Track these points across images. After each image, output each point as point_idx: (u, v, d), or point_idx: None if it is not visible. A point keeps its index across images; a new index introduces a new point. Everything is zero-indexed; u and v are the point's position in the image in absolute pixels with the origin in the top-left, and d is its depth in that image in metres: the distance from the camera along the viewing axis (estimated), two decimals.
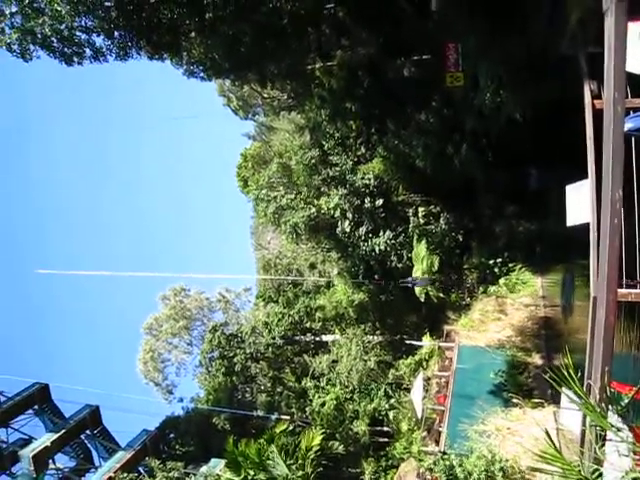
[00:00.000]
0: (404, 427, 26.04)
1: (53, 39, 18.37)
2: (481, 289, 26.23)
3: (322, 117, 27.97)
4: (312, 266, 37.64)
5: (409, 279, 25.63)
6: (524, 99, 20.47)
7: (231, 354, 32.17)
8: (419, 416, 23.89)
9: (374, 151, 28.05)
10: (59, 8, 16.98)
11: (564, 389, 7.28)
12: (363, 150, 28.51)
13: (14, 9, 17.50)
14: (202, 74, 24.64)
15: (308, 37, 23.10)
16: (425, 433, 23.93)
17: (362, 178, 27.46)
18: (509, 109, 21.27)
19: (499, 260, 25.80)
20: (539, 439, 16.11)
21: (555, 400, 17.26)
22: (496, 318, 24.66)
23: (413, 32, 21.77)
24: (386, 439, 27.52)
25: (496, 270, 25.82)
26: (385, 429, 27.72)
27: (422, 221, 26.70)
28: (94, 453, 32.77)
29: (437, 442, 22.29)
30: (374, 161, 28.09)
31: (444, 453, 19.44)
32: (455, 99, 23.31)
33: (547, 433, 6.53)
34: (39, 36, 18.07)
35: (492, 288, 25.79)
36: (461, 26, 20.51)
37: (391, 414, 26.72)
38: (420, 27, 21.42)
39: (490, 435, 18.51)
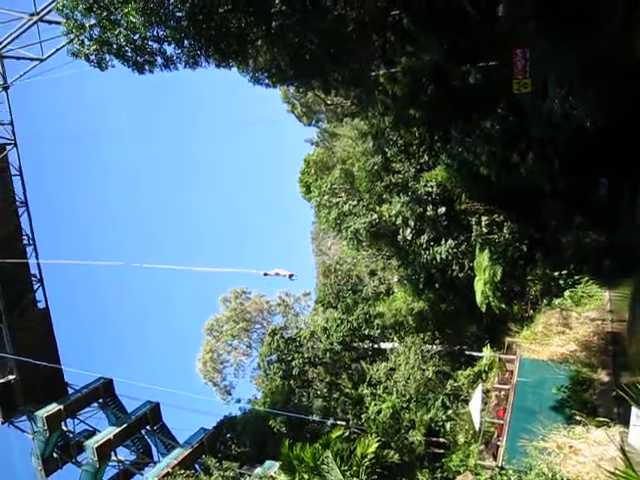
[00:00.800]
0: (461, 439, 25.57)
1: (127, 49, 19.13)
2: (545, 301, 25.46)
3: (385, 124, 27.94)
4: (372, 273, 37.57)
5: None
6: (595, 106, 19.84)
7: (289, 358, 32.42)
8: (477, 429, 23.46)
9: (437, 158, 27.77)
10: (134, 20, 17.65)
11: (634, 408, 7.01)
12: (426, 157, 28.27)
13: (92, 21, 18.32)
14: (267, 81, 25.08)
15: (373, 44, 23.13)
16: (482, 446, 23.45)
17: (425, 185, 27.23)
18: (579, 116, 20.67)
19: (565, 272, 24.99)
20: (604, 459, 15.54)
21: (622, 419, 16.62)
22: (560, 332, 23.91)
23: (479, 38, 21.46)
24: (442, 450, 27.08)
25: (561, 282, 25.00)
26: (441, 440, 27.27)
27: (485, 230, 26.16)
28: (153, 448, 33.66)
29: (495, 456, 21.82)
30: (437, 169, 27.80)
31: (502, 468, 19.00)
32: (522, 106, 22.82)
33: (622, 451, 6.30)
34: (114, 46, 18.87)
35: (556, 300, 24.98)
36: (529, 31, 20.08)
37: (448, 425, 26.29)
38: (486, 33, 21.08)
39: (551, 452, 17.92)
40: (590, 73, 18.97)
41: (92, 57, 19.16)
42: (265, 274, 15.60)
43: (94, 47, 18.76)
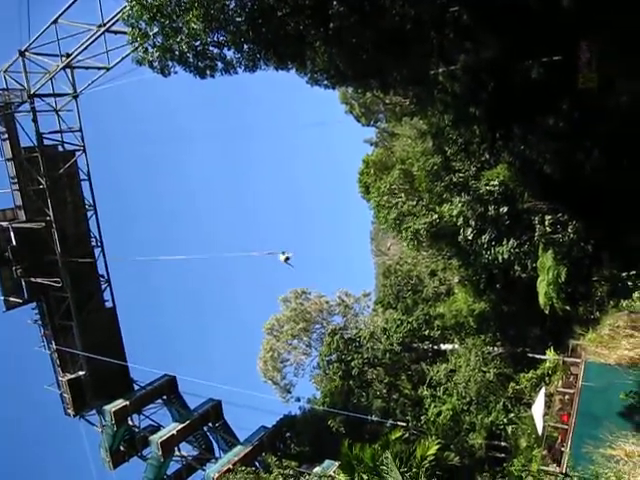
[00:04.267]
0: (523, 444, 25.04)
1: (189, 55, 19.69)
2: (612, 303, 24.57)
3: (445, 122, 27.59)
4: (432, 273, 37.30)
5: None
6: None
7: (349, 358, 32.54)
8: (540, 433, 22.92)
9: (499, 157, 27.23)
10: (195, 26, 18.16)
11: None
12: (487, 156, 27.74)
13: (156, 30, 18.95)
14: (326, 82, 25.19)
15: (431, 42, 22.82)
16: (545, 452, 22.89)
17: (486, 185, 26.78)
18: None
19: (633, 272, 24.08)
20: None
21: None
22: (628, 335, 22.99)
23: (542, 32, 20.84)
24: (503, 455, 26.62)
25: (629, 283, 24.11)
26: (502, 444, 26.80)
27: (549, 230, 25.48)
28: (215, 445, 34.35)
29: (558, 462, 21.26)
30: (499, 167, 27.27)
31: (566, 475, 18.55)
32: (587, 102, 22.10)
33: None
34: (176, 53, 19.45)
35: (624, 302, 24.08)
36: (596, 23, 19.43)
37: (509, 429, 25.84)
38: (550, 26, 20.48)
39: (619, 461, 17.32)
40: None
41: (155, 64, 19.83)
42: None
43: (157, 54, 19.41)
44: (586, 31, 20.35)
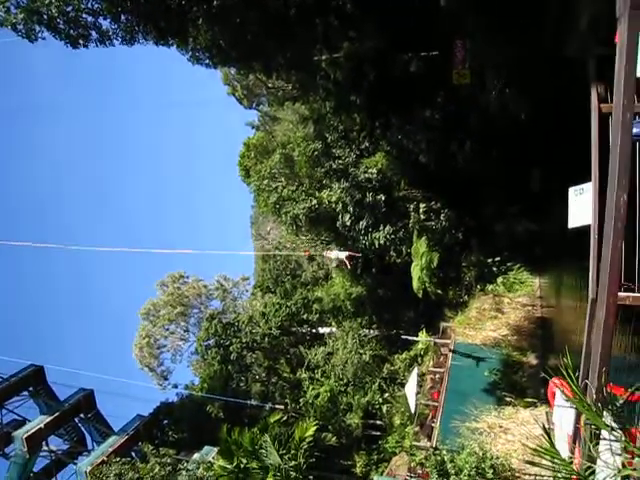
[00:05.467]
0: (397, 421, 26.20)
1: (59, 20, 18.32)
2: (479, 287, 26.30)
3: (326, 109, 27.94)
4: (311, 258, 37.70)
5: None
6: (529, 99, 20.50)
7: (227, 343, 32.24)
8: (412, 411, 24.06)
9: (377, 145, 28.04)
10: None
11: (559, 388, 7.40)
12: (367, 144, 28.48)
13: None
14: (208, 61, 24.52)
15: (315, 28, 22.93)
16: (418, 428, 24.11)
17: (364, 172, 27.45)
18: (514, 108, 21.31)
19: (498, 259, 25.89)
20: (531, 438, 16.25)
21: (548, 400, 17.35)
22: (493, 316, 24.76)
23: (421, 28, 21.69)
24: (379, 433, 27.68)
25: (494, 269, 25.93)
26: (378, 423, 27.87)
27: (423, 217, 26.69)
28: (87, 437, 32.86)
29: (429, 437, 22.46)
30: (377, 155, 28.08)
31: (436, 448, 19.60)
32: (461, 96, 23.30)
33: (544, 429, 6.64)
34: (45, 17, 18.01)
35: (490, 286, 25.88)
36: (469, 23, 20.49)
37: (384, 408, 26.89)
38: (428, 23, 21.35)
39: (482, 432, 18.63)
40: (525, 67, 19.57)
41: (20, 27, 18.20)
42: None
43: (22, 16, 17.84)
44: (461, 30, 21.38)
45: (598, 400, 6.42)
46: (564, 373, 6.68)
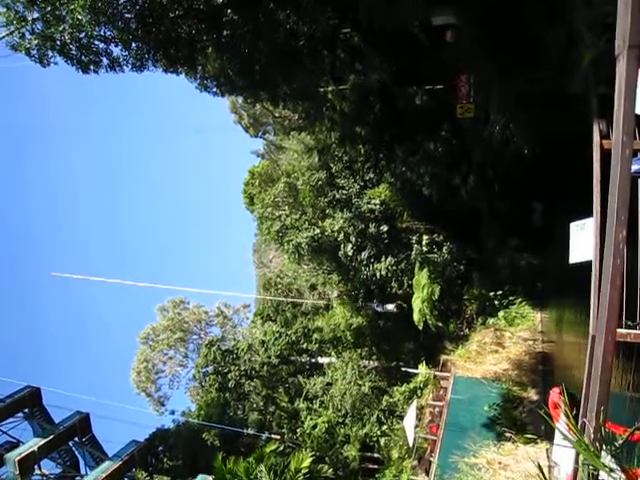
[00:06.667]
0: (395, 455, 25.83)
1: (72, 47, 18.51)
2: (480, 320, 26.19)
3: (332, 140, 28.20)
4: (312, 287, 37.62)
5: None
6: (533, 134, 20.65)
7: (225, 370, 32.04)
8: (410, 444, 23.76)
9: (381, 176, 28.25)
10: (80, 17, 17.11)
11: (558, 426, 7.30)
12: (371, 175, 28.72)
13: (36, 15, 17.70)
14: (215, 89, 24.85)
15: (323, 60, 23.29)
16: (416, 462, 23.78)
17: (368, 203, 27.62)
18: (518, 143, 21.48)
19: (499, 292, 25.81)
20: (530, 475, 16.00)
21: (549, 437, 17.16)
22: (493, 350, 24.59)
23: (427, 61, 22.01)
24: (376, 466, 27.29)
25: (496, 302, 25.82)
26: (375, 455, 27.49)
27: (425, 249, 26.70)
28: (81, 461, 32.40)
29: (427, 472, 22.15)
30: (381, 186, 28.27)
31: None
32: (465, 130, 23.51)
33: (540, 468, 6.54)
34: (58, 43, 18.24)
35: (491, 320, 25.75)
36: (474, 59, 20.74)
37: (382, 441, 26.52)
38: (434, 57, 21.65)
39: (481, 468, 18.38)
40: (529, 103, 19.74)
41: (33, 52, 18.42)
42: None
43: (36, 42, 18.09)
44: (466, 65, 21.64)
45: (596, 440, 6.32)
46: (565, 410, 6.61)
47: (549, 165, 21.39)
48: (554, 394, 14.15)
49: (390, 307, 29.11)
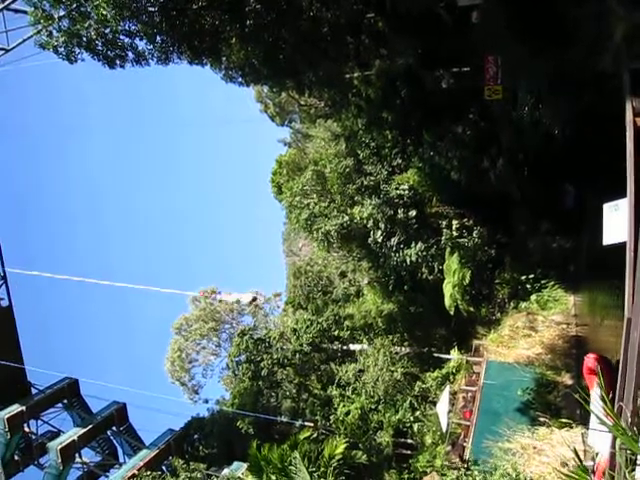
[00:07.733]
0: (428, 440, 25.79)
1: (98, 42, 18.77)
2: (512, 305, 25.87)
3: (358, 126, 28.06)
4: (342, 274, 37.69)
5: None
6: (563, 114, 20.24)
7: (258, 358, 32.28)
8: (444, 430, 23.71)
9: (409, 162, 28.02)
10: (105, 12, 17.32)
11: (594, 409, 7.19)
12: (398, 160, 28.49)
13: (62, 13, 17.94)
14: (240, 79, 24.93)
15: (347, 46, 23.16)
16: (449, 447, 23.74)
17: (396, 188, 27.43)
18: (547, 124, 21.07)
19: (531, 276, 25.43)
20: (566, 460, 15.86)
21: (584, 421, 16.95)
22: (526, 335, 24.30)
23: (453, 44, 21.69)
24: (409, 451, 27.29)
25: (528, 286, 25.46)
26: (409, 441, 27.48)
27: (455, 234, 26.42)
28: (119, 450, 33.23)
29: (461, 457, 22.12)
30: (409, 172, 28.04)
31: (467, 469, 19.27)
32: (493, 112, 23.16)
33: (576, 452, 6.48)
34: (84, 39, 18.48)
35: (523, 304, 25.43)
36: (501, 39, 20.37)
37: (416, 426, 26.49)
38: (460, 39, 21.31)
39: (515, 453, 18.24)
40: (558, 83, 19.35)
41: (61, 49, 18.70)
42: None
43: (63, 39, 18.33)
44: (493, 46, 21.28)
45: (633, 424, 6.23)
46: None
47: (580, 146, 20.97)
48: (589, 359, 14.00)
49: None
